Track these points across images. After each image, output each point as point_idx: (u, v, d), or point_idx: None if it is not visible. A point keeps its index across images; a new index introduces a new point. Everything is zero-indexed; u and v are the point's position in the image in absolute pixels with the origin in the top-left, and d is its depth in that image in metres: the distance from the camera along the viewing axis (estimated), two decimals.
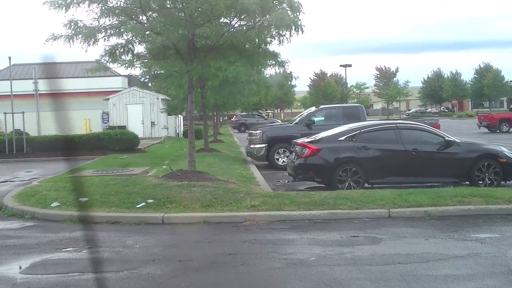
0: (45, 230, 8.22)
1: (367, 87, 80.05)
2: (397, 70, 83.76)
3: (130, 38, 10.68)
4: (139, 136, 24.32)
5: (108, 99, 32.28)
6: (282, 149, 16.23)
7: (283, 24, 10.01)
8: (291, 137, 14.69)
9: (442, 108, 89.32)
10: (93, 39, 10.21)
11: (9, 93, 26.28)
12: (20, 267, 6.14)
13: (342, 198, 9.11)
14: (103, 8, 10.07)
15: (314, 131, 15.10)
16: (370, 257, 6.24)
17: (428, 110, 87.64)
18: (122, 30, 10.21)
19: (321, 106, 19.56)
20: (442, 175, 11.32)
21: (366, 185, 10.97)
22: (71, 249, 6.97)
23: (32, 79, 33.31)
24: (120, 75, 36.02)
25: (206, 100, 20.96)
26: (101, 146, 21.73)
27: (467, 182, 11.14)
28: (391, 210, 8.60)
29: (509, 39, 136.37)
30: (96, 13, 10.09)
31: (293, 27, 10.19)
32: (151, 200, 9.26)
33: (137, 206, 9.03)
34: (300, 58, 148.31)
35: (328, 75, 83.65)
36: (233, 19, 11.01)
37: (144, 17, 10.62)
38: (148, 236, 7.64)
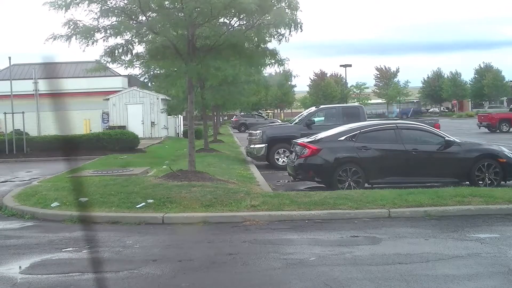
0: (45, 230, 8.22)
1: (367, 87, 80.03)
2: (397, 70, 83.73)
3: (130, 38, 10.68)
4: (139, 136, 24.32)
5: (108, 99, 32.27)
6: (282, 149, 16.22)
7: (282, 22, 10.01)
8: (291, 137, 14.68)
9: (442, 108, 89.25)
10: (91, 39, 10.21)
11: (9, 93, 26.26)
12: (20, 267, 6.14)
13: (342, 198, 9.11)
14: (103, 8, 10.07)
15: (314, 131, 15.09)
16: (370, 257, 6.24)
17: (430, 110, 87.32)
18: (120, 29, 10.20)
19: (321, 106, 19.56)
20: (442, 175, 11.32)
21: (366, 185, 10.97)
22: (71, 249, 6.97)
23: (32, 79, 33.38)
24: (120, 75, 36.01)
25: (205, 100, 20.95)
26: (101, 146, 21.73)
27: (467, 182, 11.14)
28: (391, 210, 8.60)
29: (509, 40, 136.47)
30: (96, 13, 10.10)
31: (293, 26, 10.19)
32: (151, 200, 9.26)
33: (137, 206, 9.03)
34: (300, 58, 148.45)
35: (328, 75, 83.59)
36: (232, 19, 11.02)
37: (144, 17, 10.62)
38: (148, 236, 7.64)
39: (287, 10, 10.21)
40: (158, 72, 17.64)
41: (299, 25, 10.25)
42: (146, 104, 32.20)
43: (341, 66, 69.87)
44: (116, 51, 10.72)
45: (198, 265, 6.13)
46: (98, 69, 11.67)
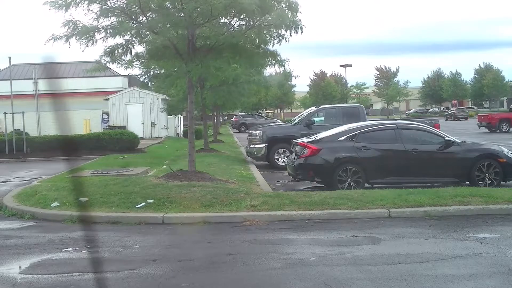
0: (45, 230, 8.22)
1: (367, 87, 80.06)
2: (397, 70, 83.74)
3: (130, 38, 10.68)
4: (139, 136, 24.32)
5: (108, 99, 32.28)
6: (282, 149, 16.22)
7: (283, 23, 10.01)
8: (291, 137, 14.68)
9: (442, 108, 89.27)
10: (91, 40, 10.20)
11: (9, 93, 26.30)
12: (20, 267, 6.14)
13: (342, 198, 9.11)
14: (103, 7, 10.06)
15: (314, 131, 15.09)
16: (370, 257, 6.24)
17: (430, 110, 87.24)
18: (120, 30, 10.19)
19: (321, 106, 19.54)
20: (442, 175, 11.31)
21: (366, 185, 10.96)
22: (71, 249, 6.97)
23: (32, 79, 33.40)
24: (120, 75, 36.02)
25: (205, 100, 20.95)
26: (101, 146, 21.74)
27: (467, 182, 11.14)
28: (391, 210, 8.59)
29: (509, 40, 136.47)
30: (96, 13, 10.09)
31: (293, 27, 10.20)
32: (151, 200, 9.26)
33: (137, 206, 9.03)
34: (300, 58, 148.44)
35: (328, 75, 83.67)
36: (232, 19, 11.01)
37: (144, 18, 10.61)
38: (148, 236, 7.64)
39: (287, 11, 10.20)
40: (158, 72, 17.66)
41: (299, 27, 10.25)
42: (146, 104, 32.21)
43: (341, 66, 70.13)
44: (116, 51, 10.72)
45: (198, 265, 6.13)
46: (98, 69, 11.66)
